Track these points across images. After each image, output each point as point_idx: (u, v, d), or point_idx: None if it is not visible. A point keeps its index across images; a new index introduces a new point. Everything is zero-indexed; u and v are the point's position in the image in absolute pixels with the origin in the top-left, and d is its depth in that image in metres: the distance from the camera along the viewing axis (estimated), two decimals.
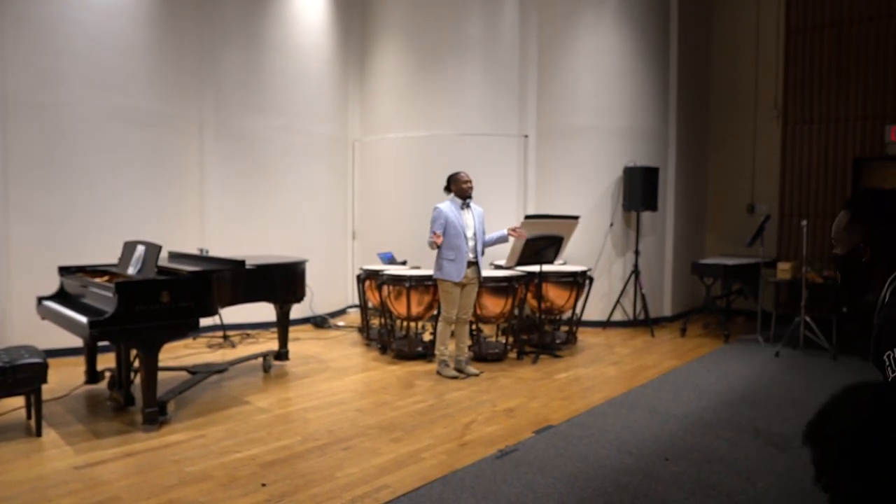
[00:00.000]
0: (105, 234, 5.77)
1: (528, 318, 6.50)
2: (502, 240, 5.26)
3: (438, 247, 5.00)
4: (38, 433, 3.72)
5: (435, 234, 4.96)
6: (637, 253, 7.23)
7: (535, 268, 5.72)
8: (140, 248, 4.29)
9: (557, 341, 6.27)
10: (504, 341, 5.89)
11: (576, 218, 5.69)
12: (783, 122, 7.97)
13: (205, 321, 4.36)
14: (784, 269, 6.47)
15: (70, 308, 4.12)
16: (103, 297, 3.89)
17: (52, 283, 4.82)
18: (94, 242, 5.72)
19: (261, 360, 5.43)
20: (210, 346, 6.23)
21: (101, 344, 4.23)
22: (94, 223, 5.79)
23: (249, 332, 6.90)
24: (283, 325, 5.52)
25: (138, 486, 3.06)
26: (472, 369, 5.28)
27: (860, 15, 7.37)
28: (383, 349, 6.06)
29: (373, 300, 6.12)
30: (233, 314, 6.49)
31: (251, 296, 4.81)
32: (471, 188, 5.12)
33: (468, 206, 5.14)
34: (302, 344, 6.44)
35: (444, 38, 7.46)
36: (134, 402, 4.30)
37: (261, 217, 7.08)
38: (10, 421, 3.99)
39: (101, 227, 5.80)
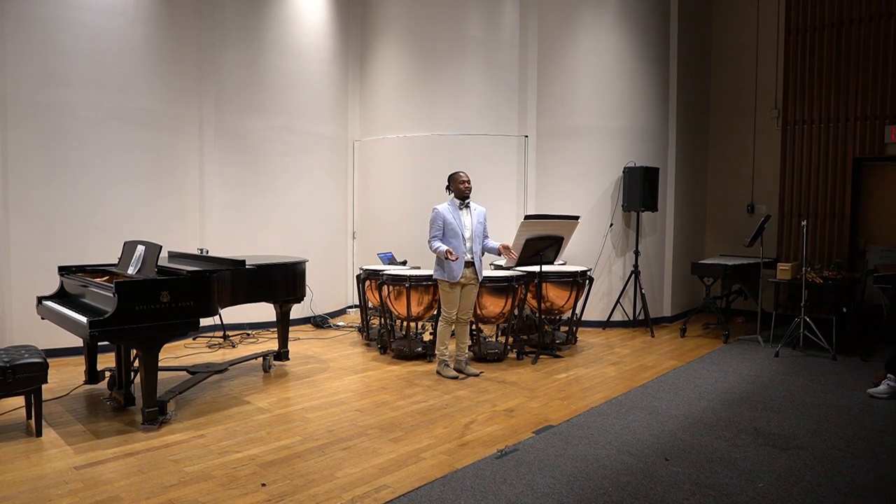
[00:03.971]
0: (105, 233, 5.78)
1: (527, 318, 6.50)
2: (495, 251, 5.17)
3: (448, 256, 4.93)
4: (38, 433, 3.72)
5: (449, 252, 4.87)
6: (637, 253, 7.23)
7: (535, 268, 5.72)
8: (140, 248, 4.29)
9: (557, 341, 6.27)
10: (504, 341, 5.89)
11: (576, 218, 5.69)
12: (783, 123, 7.97)
13: (205, 321, 4.36)
14: (784, 270, 6.47)
15: (70, 308, 4.12)
16: (103, 296, 3.89)
17: (52, 283, 4.82)
18: (94, 242, 5.73)
19: (261, 360, 5.43)
20: (210, 346, 6.23)
21: (101, 344, 4.22)
22: (94, 223, 5.79)
23: (249, 332, 6.90)
24: (283, 325, 5.52)
25: (138, 486, 3.06)
26: (472, 369, 5.28)
27: (860, 15, 7.37)
28: (383, 349, 6.06)
29: (373, 300, 6.12)
30: (233, 314, 6.50)
31: (251, 296, 4.81)
32: (468, 188, 5.10)
33: (467, 206, 5.13)
34: (302, 344, 6.44)
35: (444, 38, 7.46)
36: (134, 402, 4.30)
37: (261, 217, 7.08)
38: (10, 421, 3.99)
39: (100, 227, 5.81)
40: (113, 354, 4.73)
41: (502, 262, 5.85)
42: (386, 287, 5.71)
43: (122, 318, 3.66)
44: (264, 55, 7.01)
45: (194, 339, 6.47)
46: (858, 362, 5.74)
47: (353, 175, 8.27)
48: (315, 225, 7.61)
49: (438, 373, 5.23)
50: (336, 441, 3.71)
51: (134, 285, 3.74)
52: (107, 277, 4.40)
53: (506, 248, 5.10)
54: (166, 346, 4.27)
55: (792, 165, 7.90)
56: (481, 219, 5.17)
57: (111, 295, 3.69)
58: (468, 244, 5.06)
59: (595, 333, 7.11)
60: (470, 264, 5.09)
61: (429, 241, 5.05)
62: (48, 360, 3.86)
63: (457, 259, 4.94)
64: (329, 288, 7.83)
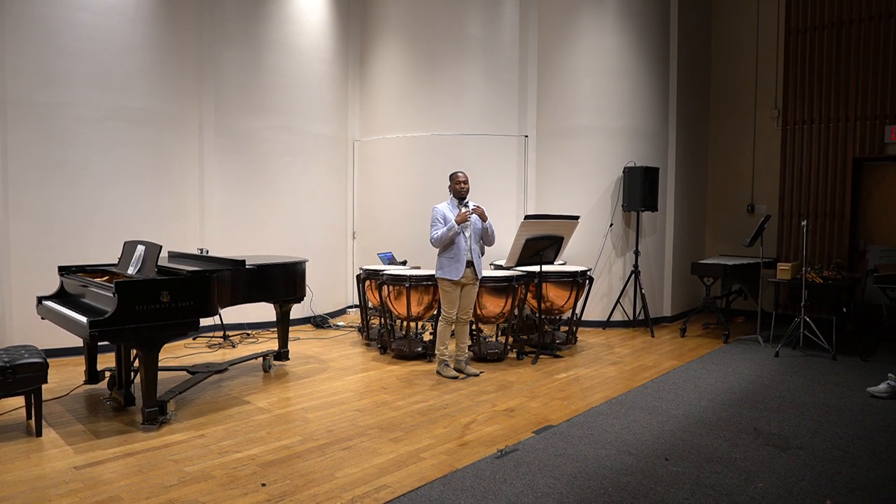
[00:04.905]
0: (105, 233, 5.78)
1: (527, 318, 6.50)
2: (480, 229, 5.13)
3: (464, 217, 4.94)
4: (38, 433, 3.72)
5: (462, 216, 4.91)
6: (637, 253, 7.23)
7: (535, 268, 5.72)
8: (140, 248, 4.29)
9: (557, 341, 6.27)
10: (504, 341, 5.89)
11: (576, 218, 5.69)
12: (783, 123, 7.97)
13: (205, 321, 4.36)
14: (784, 269, 6.47)
15: (70, 308, 4.12)
16: (103, 296, 3.89)
17: (52, 283, 4.82)
18: (94, 242, 5.73)
19: (261, 360, 5.43)
20: (210, 346, 6.23)
21: (101, 344, 4.22)
22: (94, 223, 5.79)
23: (249, 332, 6.90)
24: (283, 325, 5.52)
25: (138, 486, 3.06)
26: (472, 369, 5.28)
27: (860, 15, 7.37)
28: (383, 349, 6.06)
29: (373, 300, 6.12)
30: (233, 314, 6.50)
31: (251, 296, 4.81)
32: (465, 188, 5.10)
33: (466, 206, 5.13)
34: (302, 344, 6.44)
35: (444, 38, 7.46)
36: (134, 402, 4.30)
37: (261, 217, 7.08)
38: (10, 421, 3.99)
39: (100, 227, 5.81)
40: (113, 354, 4.73)
41: (502, 261, 5.85)
42: (386, 287, 5.71)
43: (122, 318, 3.66)
44: (264, 55, 7.01)
45: (194, 339, 6.47)
46: (858, 362, 5.73)
47: (353, 175, 8.27)
48: (315, 225, 7.61)
49: (438, 373, 5.23)
50: (336, 441, 3.71)
51: (134, 285, 3.74)
52: (107, 277, 4.40)
53: (473, 209, 5.04)
54: (166, 346, 4.27)
55: (792, 165, 7.90)
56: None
57: (111, 295, 3.69)
58: (468, 243, 5.07)
59: (595, 333, 7.11)
60: (470, 264, 5.09)
61: (432, 236, 5.03)
62: (48, 360, 3.86)
63: (470, 214, 4.97)
64: (329, 288, 7.83)
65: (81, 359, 4.99)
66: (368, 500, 2.93)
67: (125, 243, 4.60)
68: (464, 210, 5.02)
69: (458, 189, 5.10)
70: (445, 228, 4.99)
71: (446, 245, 5.03)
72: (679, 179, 7.81)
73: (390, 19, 7.80)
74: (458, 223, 4.97)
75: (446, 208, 5.06)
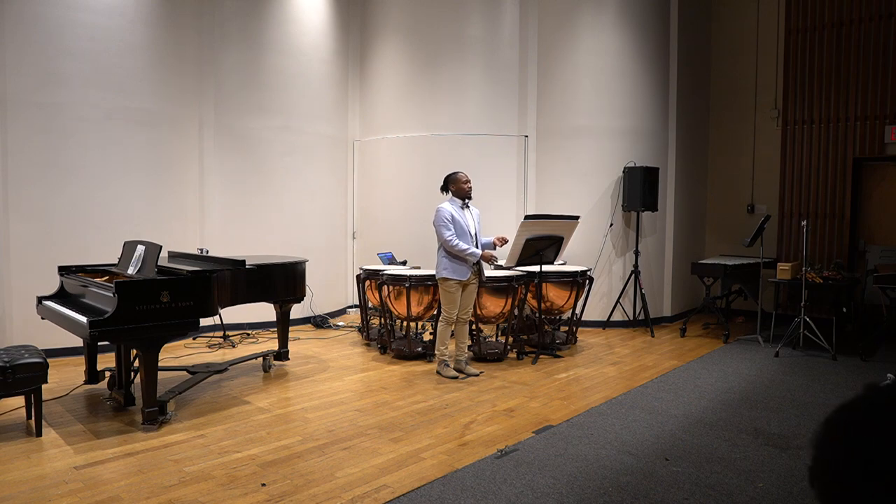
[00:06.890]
0: (105, 233, 5.78)
1: (527, 318, 6.50)
2: (490, 245, 5.21)
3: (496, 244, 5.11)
4: (38, 433, 3.72)
5: (498, 240, 5.13)
6: (637, 253, 7.23)
7: (535, 268, 5.72)
8: (140, 248, 4.29)
9: (557, 341, 6.27)
10: (504, 341, 5.89)
11: (576, 218, 5.69)
12: (783, 123, 7.97)
13: (205, 321, 4.36)
14: (784, 269, 6.47)
15: (70, 308, 4.12)
16: (103, 296, 3.89)
17: (52, 283, 4.82)
18: (94, 242, 5.73)
19: (261, 360, 5.43)
20: (210, 346, 6.23)
21: (101, 344, 4.22)
22: (94, 223, 5.79)
23: (249, 332, 6.90)
24: (283, 325, 5.52)
25: (138, 486, 3.06)
26: (472, 369, 5.28)
27: (860, 15, 7.37)
28: (383, 349, 6.06)
29: (373, 300, 6.12)
30: (233, 314, 6.50)
31: (251, 296, 4.81)
32: (471, 188, 5.12)
33: (467, 206, 5.14)
34: (302, 344, 6.44)
35: (444, 38, 7.46)
36: (134, 402, 4.30)
37: (261, 217, 7.08)
38: (10, 421, 3.99)
39: (100, 227, 5.81)
40: (113, 354, 4.73)
41: (502, 261, 5.85)
42: (386, 287, 5.71)
43: (122, 317, 3.66)
44: (264, 55, 7.01)
45: (194, 339, 6.47)
46: (858, 362, 5.74)
47: (353, 175, 8.27)
48: (315, 225, 7.61)
49: (438, 373, 5.23)
50: (336, 441, 3.71)
51: (134, 285, 3.74)
52: (107, 277, 4.40)
53: (501, 238, 5.15)
54: (166, 346, 4.27)
55: (792, 165, 7.90)
56: (478, 219, 5.20)
57: (111, 295, 3.69)
58: (473, 243, 5.07)
59: (595, 333, 7.11)
60: (474, 263, 5.09)
61: (451, 242, 4.94)
62: (48, 360, 3.86)
63: (500, 245, 5.16)
64: (329, 288, 7.83)
65: (81, 359, 4.99)
66: (368, 500, 2.93)
67: (125, 243, 4.60)
68: (494, 249, 5.17)
69: (466, 189, 5.09)
70: (467, 249, 4.95)
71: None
72: (679, 179, 7.80)
73: (390, 19, 7.80)
74: (485, 260, 5.09)
75: (451, 209, 5.06)
